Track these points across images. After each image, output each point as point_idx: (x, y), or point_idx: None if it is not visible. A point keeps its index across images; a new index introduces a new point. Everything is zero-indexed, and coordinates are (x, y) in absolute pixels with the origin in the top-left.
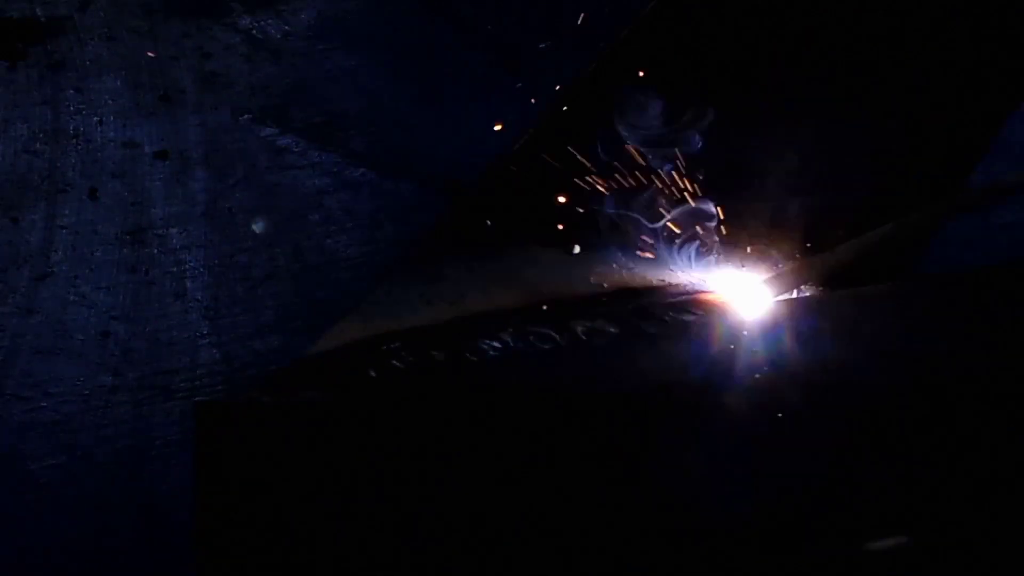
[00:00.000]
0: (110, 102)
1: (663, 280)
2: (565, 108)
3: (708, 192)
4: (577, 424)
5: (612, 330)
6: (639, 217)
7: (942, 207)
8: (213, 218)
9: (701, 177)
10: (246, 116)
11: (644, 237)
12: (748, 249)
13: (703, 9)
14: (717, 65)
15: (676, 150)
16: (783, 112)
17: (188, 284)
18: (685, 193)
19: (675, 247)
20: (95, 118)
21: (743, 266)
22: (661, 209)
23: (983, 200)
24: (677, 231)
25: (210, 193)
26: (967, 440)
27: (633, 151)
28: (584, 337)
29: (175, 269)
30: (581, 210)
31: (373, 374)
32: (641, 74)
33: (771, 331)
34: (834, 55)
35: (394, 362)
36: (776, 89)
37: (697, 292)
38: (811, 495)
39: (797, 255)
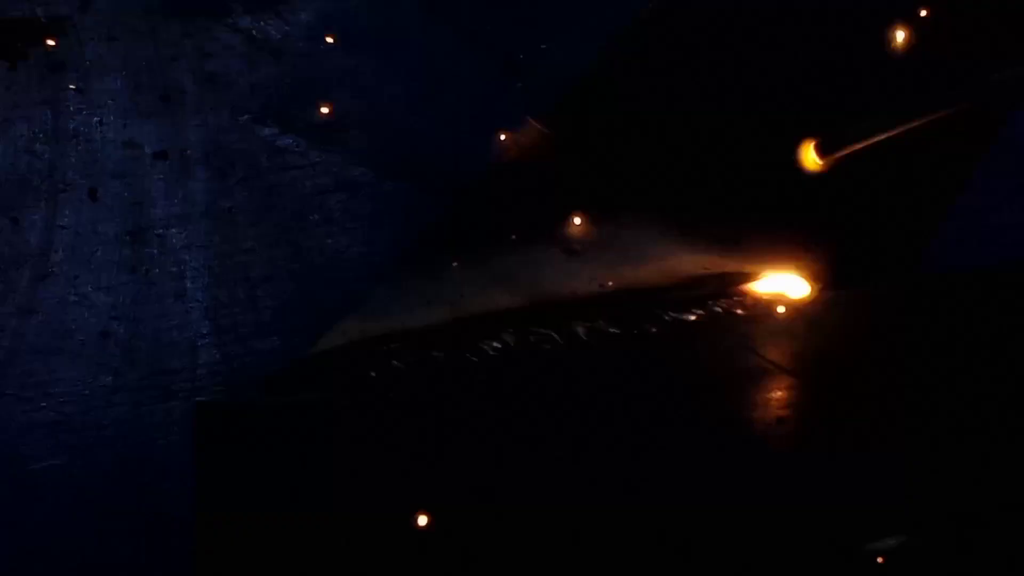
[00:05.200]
0: (110, 102)
1: (664, 279)
2: (566, 108)
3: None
4: (578, 423)
5: (612, 330)
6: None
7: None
8: (213, 218)
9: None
10: (246, 116)
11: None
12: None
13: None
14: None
15: None
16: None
17: (188, 284)
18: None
19: None
20: (95, 118)
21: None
22: None
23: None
24: None
25: (210, 193)
26: (967, 439)
27: None
28: (584, 337)
29: (175, 269)
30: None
31: (373, 374)
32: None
33: (778, 329)
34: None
35: (394, 362)
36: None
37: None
38: (811, 492)
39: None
